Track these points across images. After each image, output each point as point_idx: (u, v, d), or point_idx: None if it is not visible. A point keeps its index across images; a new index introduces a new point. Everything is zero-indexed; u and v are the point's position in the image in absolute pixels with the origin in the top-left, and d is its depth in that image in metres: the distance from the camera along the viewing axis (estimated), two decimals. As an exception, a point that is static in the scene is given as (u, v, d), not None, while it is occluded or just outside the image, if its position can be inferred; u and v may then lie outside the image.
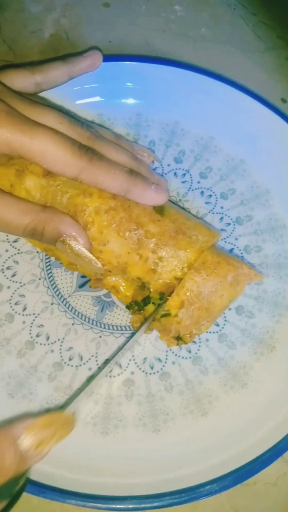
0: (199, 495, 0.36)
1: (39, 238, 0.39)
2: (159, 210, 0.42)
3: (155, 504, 0.36)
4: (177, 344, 0.42)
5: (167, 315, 0.39)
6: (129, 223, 0.40)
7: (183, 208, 0.50)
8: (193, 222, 0.42)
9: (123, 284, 0.44)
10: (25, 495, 0.40)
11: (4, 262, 0.47)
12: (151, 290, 0.40)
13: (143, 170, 0.44)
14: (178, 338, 0.41)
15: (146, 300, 0.41)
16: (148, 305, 0.41)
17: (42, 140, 0.36)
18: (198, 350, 0.45)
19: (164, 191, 0.42)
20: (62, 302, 0.46)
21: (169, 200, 0.47)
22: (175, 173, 0.52)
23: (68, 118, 0.40)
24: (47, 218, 0.39)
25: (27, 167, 0.42)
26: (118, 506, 0.36)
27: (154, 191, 0.41)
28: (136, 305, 0.42)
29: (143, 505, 0.36)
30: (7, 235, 0.48)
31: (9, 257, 0.47)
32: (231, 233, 0.49)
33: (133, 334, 0.45)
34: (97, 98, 0.53)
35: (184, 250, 0.40)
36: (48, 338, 0.45)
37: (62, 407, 0.42)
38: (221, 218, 0.50)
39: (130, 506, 0.36)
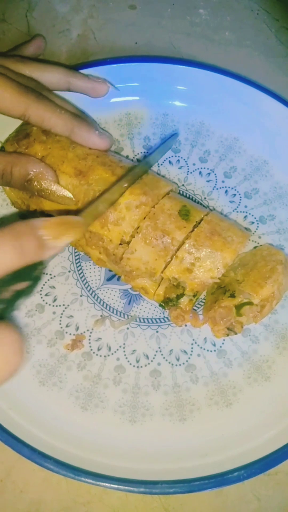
0: (228, 481, 0.38)
1: (9, 180, 0.41)
2: (185, 215, 0.43)
3: (186, 488, 0.37)
4: (228, 335, 0.43)
5: (249, 303, 0.41)
6: (155, 231, 0.42)
7: (207, 207, 0.52)
8: (227, 223, 0.43)
9: (152, 285, 0.45)
10: (52, 480, 0.41)
11: (35, 254, 0.48)
12: (187, 289, 0.42)
13: (87, 120, 0.46)
14: (230, 329, 0.42)
15: (180, 296, 0.43)
16: (181, 298, 0.43)
17: None
18: (223, 343, 0.46)
19: (108, 137, 0.45)
20: (91, 294, 0.48)
21: (194, 201, 0.49)
22: (200, 172, 0.53)
23: (15, 71, 0.43)
24: (13, 159, 0.42)
25: (59, 167, 0.43)
26: (151, 490, 0.37)
27: (98, 136, 0.44)
28: (171, 301, 0.43)
29: (173, 489, 0.37)
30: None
31: (39, 250, 0.49)
32: (255, 231, 0.51)
33: (158, 327, 0.46)
34: (132, 97, 0.55)
35: (220, 251, 0.41)
36: (77, 328, 0.46)
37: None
38: (245, 217, 0.51)
39: (162, 490, 0.37)
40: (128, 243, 0.43)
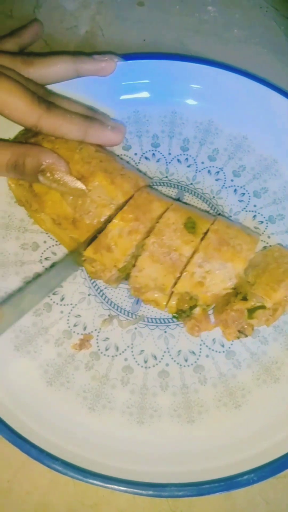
0: (238, 484, 0.37)
1: (22, 171, 0.41)
2: (191, 227, 0.42)
3: (196, 491, 0.37)
4: (239, 337, 0.42)
5: (262, 307, 0.40)
6: (161, 248, 0.41)
7: (217, 206, 0.51)
8: (234, 230, 0.43)
9: (163, 298, 0.44)
10: (59, 481, 0.41)
11: (42, 253, 0.48)
12: (199, 301, 0.41)
13: (98, 116, 0.46)
14: (241, 332, 0.42)
15: (193, 307, 0.42)
16: (194, 309, 0.42)
17: (3, 88, 0.39)
18: (231, 344, 0.46)
19: (120, 131, 0.45)
20: (99, 293, 0.47)
21: (203, 200, 0.48)
22: (209, 171, 0.53)
23: (24, 76, 0.42)
24: (26, 150, 0.41)
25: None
26: (160, 493, 0.36)
27: (111, 131, 0.44)
28: (184, 313, 0.43)
29: (182, 493, 0.36)
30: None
31: (47, 248, 0.48)
32: (264, 231, 0.50)
33: (167, 327, 0.46)
34: (142, 95, 0.54)
35: (231, 261, 0.41)
36: (85, 328, 0.46)
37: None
38: (254, 216, 0.51)
39: (171, 493, 0.36)
40: (121, 269, 0.42)
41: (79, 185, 0.41)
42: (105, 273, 0.42)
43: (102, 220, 0.41)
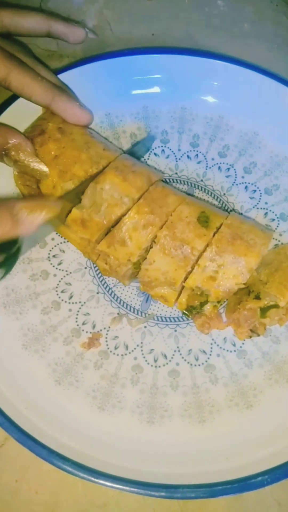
0: (251, 486, 0.36)
1: None
2: (204, 221, 0.42)
3: (208, 493, 0.36)
4: (251, 337, 0.42)
5: (275, 306, 0.39)
6: (173, 241, 0.40)
7: (227, 203, 0.50)
8: (247, 225, 0.42)
9: (172, 294, 0.43)
10: (68, 481, 0.40)
11: (50, 250, 0.47)
12: (211, 296, 0.40)
13: (69, 93, 0.46)
14: (253, 331, 0.41)
15: (204, 303, 0.42)
16: (205, 305, 0.42)
17: None
18: (243, 344, 0.45)
19: (88, 113, 0.44)
20: (108, 291, 0.46)
21: (214, 197, 0.47)
22: (219, 167, 0.52)
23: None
24: None
25: (71, 169, 0.42)
26: (172, 494, 0.36)
27: (79, 107, 0.44)
28: (194, 309, 0.42)
29: (195, 494, 0.36)
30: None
31: (55, 245, 0.47)
32: (276, 228, 0.49)
33: (177, 325, 0.45)
34: (153, 90, 0.53)
35: (244, 255, 0.40)
36: (94, 326, 0.45)
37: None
38: (266, 214, 0.50)
39: (183, 495, 0.36)
40: (135, 264, 0.42)
41: (42, 167, 0.42)
42: (121, 267, 0.41)
43: (116, 218, 0.41)
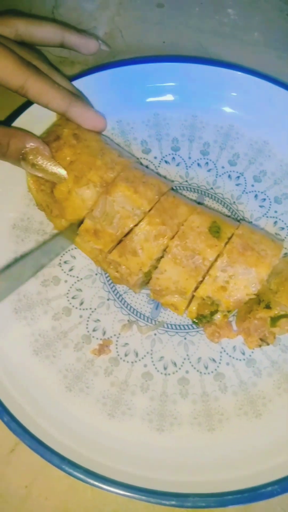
0: (261, 496, 0.37)
1: (5, 152, 0.42)
2: (215, 232, 0.42)
3: (219, 502, 0.36)
4: (260, 346, 0.42)
5: (286, 316, 0.40)
6: (185, 251, 0.41)
7: (237, 211, 0.50)
8: (258, 235, 0.42)
9: (183, 302, 0.44)
10: (78, 487, 0.41)
11: (61, 256, 0.47)
12: (222, 306, 0.41)
13: (84, 100, 0.47)
14: (263, 340, 0.41)
15: (214, 312, 0.42)
16: (215, 314, 0.42)
17: None
18: (252, 352, 0.45)
19: (103, 119, 0.45)
20: (118, 298, 0.47)
21: (223, 205, 0.48)
22: (229, 176, 0.52)
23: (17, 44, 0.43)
24: (12, 132, 0.42)
25: (86, 174, 0.42)
26: (183, 503, 0.36)
27: (94, 113, 0.45)
28: (204, 318, 0.43)
29: (205, 503, 0.36)
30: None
31: (66, 252, 0.48)
32: (285, 237, 0.50)
33: (186, 333, 0.45)
34: (166, 98, 0.54)
35: (255, 266, 0.40)
36: (104, 333, 0.45)
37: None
38: (275, 223, 0.50)
39: (194, 504, 0.36)
40: (146, 273, 0.42)
41: (60, 170, 0.42)
42: (132, 277, 0.41)
43: (127, 229, 0.41)
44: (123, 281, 0.43)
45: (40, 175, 0.42)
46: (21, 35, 0.45)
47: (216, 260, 0.40)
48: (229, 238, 0.42)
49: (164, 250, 0.41)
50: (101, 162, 0.43)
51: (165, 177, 0.51)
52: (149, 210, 0.42)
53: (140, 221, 0.41)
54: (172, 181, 0.51)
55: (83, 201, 0.42)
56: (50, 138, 0.44)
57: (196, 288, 0.42)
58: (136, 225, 0.41)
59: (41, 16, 0.52)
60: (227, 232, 0.42)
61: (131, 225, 0.41)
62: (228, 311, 0.42)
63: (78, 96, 0.46)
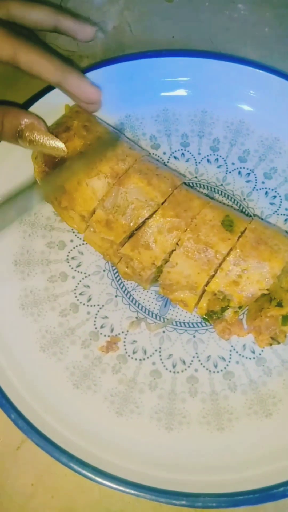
0: (273, 496, 0.36)
1: (0, 131, 0.41)
2: (228, 225, 0.41)
3: (230, 502, 0.35)
4: (271, 344, 0.41)
5: None
6: (197, 244, 0.40)
7: (247, 208, 0.50)
8: (271, 231, 0.42)
9: (192, 298, 0.43)
10: (84, 486, 0.40)
11: (69, 252, 0.47)
12: (234, 301, 0.40)
13: (78, 70, 0.44)
14: (273, 338, 0.41)
15: (225, 308, 0.41)
16: (226, 310, 0.41)
17: None
18: (262, 351, 0.44)
19: (98, 90, 0.43)
20: (126, 295, 0.46)
21: (234, 202, 0.47)
22: (239, 172, 0.51)
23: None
24: (4, 110, 0.41)
25: (97, 165, 0.42)
26: (193, 503, 0.35)
27: (90, 85, 0.42)
28: (215, 314, 0.42)
29: (216, 504, 0.35)
30: (72, 229, 0.47)
31: (74, 247, 0.47)
32: (296, 235, 0.49)
33: (196, 331, 0.45)
34: (179, 93, 0.53)
35: (268, 261, 0.39)
36: (112, 330, 0.45)
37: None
38: (286, 220, 0.49)
39: (205, 504, 0.35)
40: (159, 267, 0.41)
41: (58, 143, 0.41)
42: (145, 271, 0.41)
43: (141, 220, 0.40)
44: (134, 277, 0.43)
45: (39, 150, 0.42)
46: (13, 16, 0.44)
47: (228, 254, 0.40)
48: (242, 232, 0.41)
49: (177, 243, 0.41)
50: (111, 153, 0.42)
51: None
52: (163, 203, 0.41)
53: (153, 213, 0.40)
54: (184, 176, 0.51)
55: (94, 192, 0.42)
56: (60, 129, 0.44)
57: (207, 283, 0.41)
58: (149, 217, 0.41)
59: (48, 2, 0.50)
60: (240, 226, 0.41)
61: (146, 215, 0.40)
62: (239, 307, 0.41)
63: (72, 67, 0.43)
